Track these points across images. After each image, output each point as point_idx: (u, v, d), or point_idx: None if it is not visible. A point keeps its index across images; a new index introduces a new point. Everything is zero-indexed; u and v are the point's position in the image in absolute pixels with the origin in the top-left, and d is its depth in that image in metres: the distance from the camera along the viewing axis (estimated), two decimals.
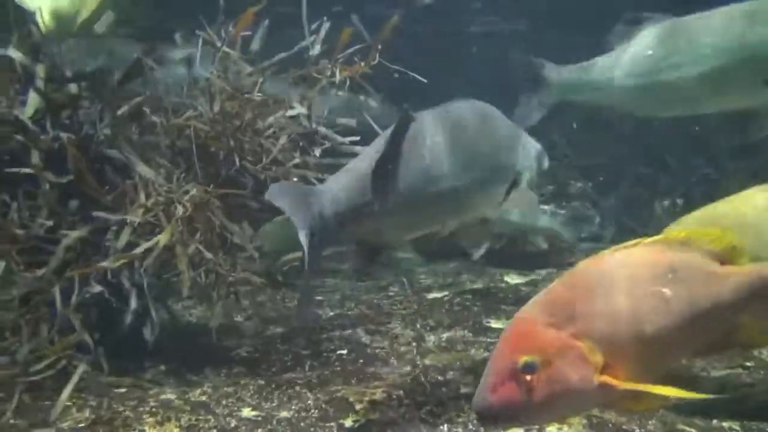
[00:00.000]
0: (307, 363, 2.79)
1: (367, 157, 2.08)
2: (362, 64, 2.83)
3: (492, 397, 1.31)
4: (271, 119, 2.70)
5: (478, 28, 6.17)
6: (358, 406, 2.22)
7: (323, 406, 2.27)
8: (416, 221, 2.22)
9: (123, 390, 2.45)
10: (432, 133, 2.09)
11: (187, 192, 2.50)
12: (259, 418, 2.20)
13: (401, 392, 2.35)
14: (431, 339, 3.08)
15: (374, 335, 3.18)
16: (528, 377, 1.31)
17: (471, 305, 3.55)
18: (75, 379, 2.25)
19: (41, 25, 2.63)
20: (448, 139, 2.09)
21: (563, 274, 1.49)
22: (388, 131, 2.12)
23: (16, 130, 2.59)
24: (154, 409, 2.24)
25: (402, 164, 2.03)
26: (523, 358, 1.32)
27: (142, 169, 2.56)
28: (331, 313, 3.56)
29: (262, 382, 2.54)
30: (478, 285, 3.99)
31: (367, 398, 2.28)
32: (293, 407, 2.29)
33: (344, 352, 2.93)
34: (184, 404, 2.31)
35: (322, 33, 2.89)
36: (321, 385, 2.49)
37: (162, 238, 2.37)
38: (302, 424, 2.15)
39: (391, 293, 4.01)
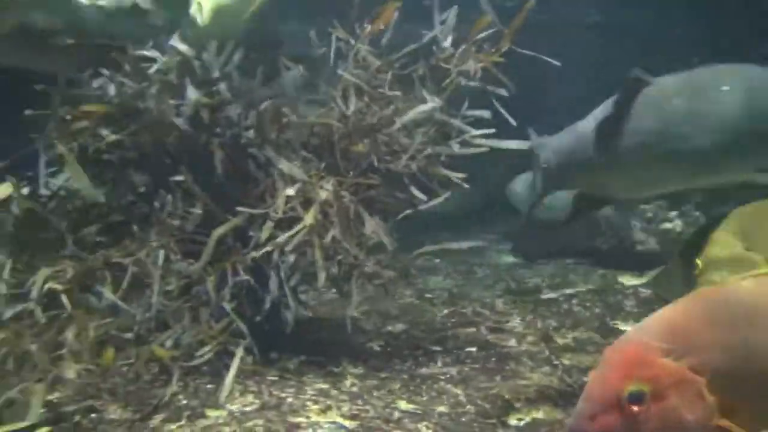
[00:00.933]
0: (440, 359, 2.81)
1: (592, 117, 2.28)
2: (493, 52, 2.80)
3: (590, 426, 1.17)
4: (409, 114, 2.71)
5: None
6: (517, 404, 2.22)
7: (478, 402, 2.28)
8: (648, 179, 2.32)
9: (274, 378, 2.53)
10: (671, 96, 2.19)
11: (322, 186, 2.55)
12: (419, 411, 2.22)
13: (552, 392, 2.34)
14: (558, 339, 3.05)
15: (497, 333, 3.18)
16: (635, 408, 1.17)
17: (591, 306, 3.50)
18: (236, 362, 2.34)
19: (199, 21, 2.74)
20: (687, 102, 2.16)
21: (682, 299, 1.33)
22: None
23: (172, 130, 2.72)
24: (313, 397, 2.31)
25: (632, 124, 2.18)
26: (631, 387, 1.18)
27: (284, 165, 2.63)
28: (446, 311, 3.58)
29: (405, 376, 2.58)
30: (591, 285, 3.92)
31: (523, 396, 2.28)
32: (446, 402, 2.31)
33: (473, 349, 2.94)
34: (339, 393, 2.36)
35: (452, 21, 2.87)
36: (465, 382, 2.51)
37: (307, 218, 2.43)
38: (463, 419, 2.17)
39: (498, 291, 4.00)
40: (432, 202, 2.67)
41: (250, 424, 2.09)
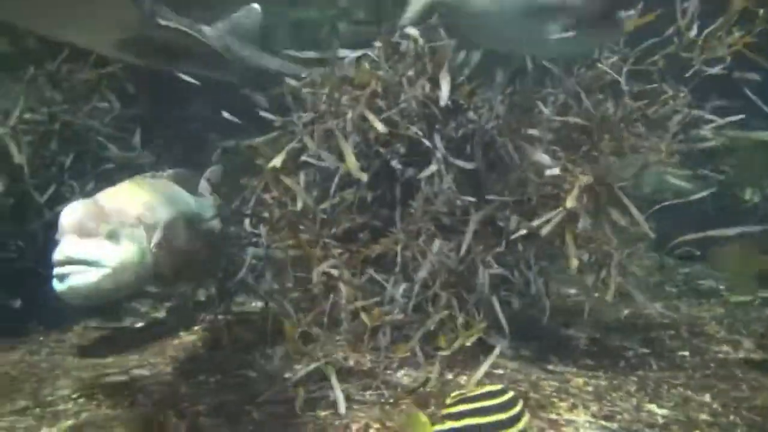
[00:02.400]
0: (653, 362, 2.63)
1: None
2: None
3: None
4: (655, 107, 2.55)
5: None
6: None
7: (743, 413, 2.08)
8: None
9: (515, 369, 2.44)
10: None
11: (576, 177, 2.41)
12: (682, 418, 2.05)
13: None
14: None
15: (699, 337, 2.96)
16: None
17: None
18: (492, 357, 2.26)
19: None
20: None
21: None
22: None
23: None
24: (554, 393, 2.17)
25: None
26: None
27: (539, 157, 2.51)
28: (626, 312, 3.36)
29: (632, 378, 2.41)
30: None
31: None
32: (700, 410, 2.12)
33: (686, 353, 2.74)
34: (578, 391, 2.22)
35: (695, 9, 2.66)
36: (706, 389, 2.31)
37: (568, 201, 2.32)
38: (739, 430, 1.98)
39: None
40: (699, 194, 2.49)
41: None
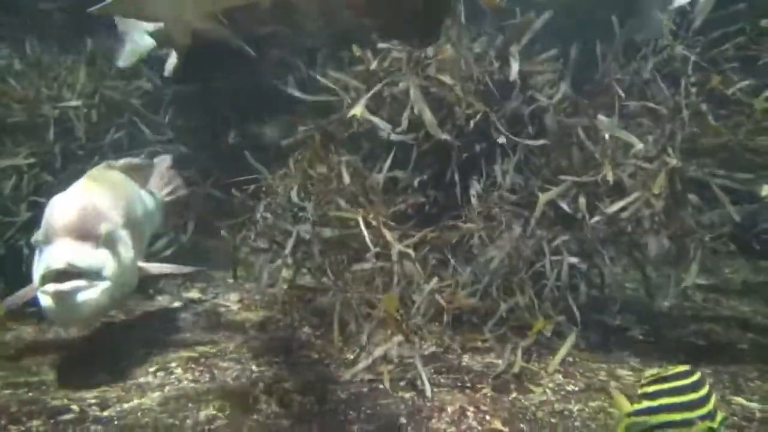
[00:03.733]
0: (720, 355, 2.63)
1: None
2: None
3: None
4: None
5: None
6: None
7: None
8: None
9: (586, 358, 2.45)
10: None
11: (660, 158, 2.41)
12: None
13: None
14: None
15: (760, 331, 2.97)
16: None
17: None
18: (568, 344, 2.28)
19: None
20: None
21: None
22: None
23: None
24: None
25: None
26: None
27: (624, 135, 2.50)
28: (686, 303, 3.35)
29: (707, 370, 2.42)
30: None
31: None
32: None
33: (745, 346, 2.75)
34: None
35: None
36: None
37: (656, 186, 2.32)
38: None
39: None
40: None
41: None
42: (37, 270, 2.06)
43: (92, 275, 2.02)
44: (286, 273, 3.02)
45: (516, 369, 2.23)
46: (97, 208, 2.18)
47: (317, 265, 2.86)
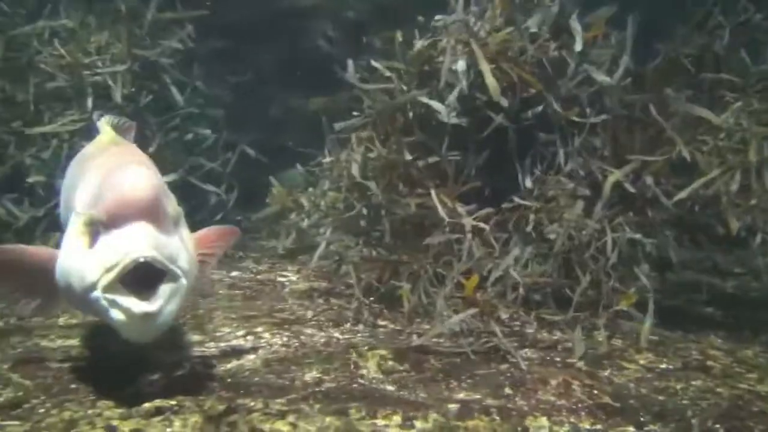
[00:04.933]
0: None
1: None
2: None
3: None
4: None
5: None
6: None
7: None
8: None
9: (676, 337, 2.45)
10: None
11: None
12: None
13: None
14: None
15: None
16: None
17: None
18: (649, 321, 2.27)
19: None
20: None
21: None
22: None
23: None
24: (734, 365, 2.19)
25: None
26: None
27: (695, 109, 2.47)
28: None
29: None
30: None
31: None
32: None
33: None
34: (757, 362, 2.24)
35: None
36: None
37: (750, 154, 2.31)
38: None
39: None
40: None
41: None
42: (95, 261, 1.52)
43: (173, 274, 1.55)
44: (352, 247, 3.05)
45: (604, 346, 2.23)
46: (163, 184, 1.73)
47: (385, 241, 2.89)
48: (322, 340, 2.30)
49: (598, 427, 1.67)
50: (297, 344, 2.23)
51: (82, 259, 1.54)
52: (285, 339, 2.29)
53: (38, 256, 1.73)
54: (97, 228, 1.55)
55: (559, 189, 2.59)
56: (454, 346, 2.26)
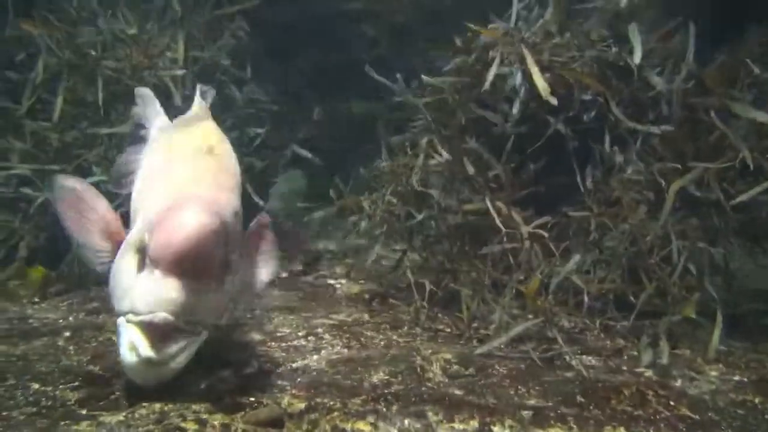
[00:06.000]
0: None
1: None
2: None
3: None
4: None
5: None
6: None
7: None
8: None
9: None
10: None
11: None
12: None
13: None
14: None
15: None
16: None
17: None
18: (718, 331, 2.20)
19: None
20: None
21: None
22: None
23: None
24: None
25: None
26: None
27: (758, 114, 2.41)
28: None
29: None
30: None
31: None
32: None
33: None
34: None
35: None
36: None
37: None
38: None
39: None
40: None
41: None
42: (129, 292, 1.52)
43: (193, 331, 1.52)
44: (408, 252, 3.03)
45: (665, 357, 2.16)
46: (231, 223, 1.62)
47: (442, 249, 2.88)
48: (383, 343, 2.29)
49: None
50: (358, 346, 2.23)
51: (126, 279, 1.55)
52: (345, 341, 2.28)
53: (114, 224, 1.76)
54: (145, 254, 1.53)
55: (622, 192, 2.53)
56: (515, 352, 2.23)
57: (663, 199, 2.50)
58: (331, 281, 3.42)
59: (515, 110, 2.78)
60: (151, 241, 1.51)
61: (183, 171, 1.77)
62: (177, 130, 2.02)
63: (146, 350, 1.44)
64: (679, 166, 2.51)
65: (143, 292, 1.48)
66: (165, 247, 1.48)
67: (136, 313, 1.46)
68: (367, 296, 3.03)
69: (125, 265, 1.57)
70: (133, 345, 1.45)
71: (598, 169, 2.71)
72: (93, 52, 3.12)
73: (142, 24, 3.52)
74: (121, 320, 1.50)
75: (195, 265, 1.47)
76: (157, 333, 1.45)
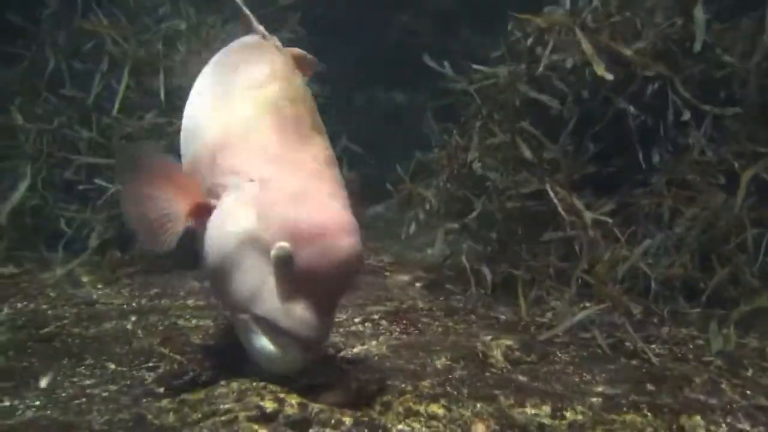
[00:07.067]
0: None
1: None
2: None
3: None
4: None
5: None
6: None
7: None
8: None
9: None
10: None
11: None
12: None
13: None
14: None
15: None
16: None
17: None
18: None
19: None
20: None
21: None
22: None
23: None
24: None
25: None
26: None
27: None
28: None
29: None
30: None
31: None
32: None
33: None
34: None
35: None
36: None
37: None
38: None
39: None
40: None
41: None
42: (273, 308, 1.35)
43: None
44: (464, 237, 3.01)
45: (732, 344, 2.10)
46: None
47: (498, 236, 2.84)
48: (440, 329, 2.27)
49: (760, 429, 1.56)
50: (416, 332, 2.22)
51: (255, 282, 1.34)
52: (402, 327, 2.28)
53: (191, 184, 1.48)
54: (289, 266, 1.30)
55: (698, 175, 2.45)
56: (576, 339, 2.19)
57: (735, 184, 2.43)
58: (380, 268, 3.42)
59: (571, 94, 2.73)
60: (295, 259, 1.30)
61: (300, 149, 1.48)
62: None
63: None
64: (756, 149, 2.41)
65: (290, 320, 1.34)
66: (315, 278, 1.31)
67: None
68: (418, 284, 3.02)
69: (248, 259, 1.36)
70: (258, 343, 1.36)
71: (665, 149, 2.62)
72: (159, 46, 3.19)
73: (201, 17, 3.59)
74: (245, 318, 1.38)
75: (343, 294, 1.42)
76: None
